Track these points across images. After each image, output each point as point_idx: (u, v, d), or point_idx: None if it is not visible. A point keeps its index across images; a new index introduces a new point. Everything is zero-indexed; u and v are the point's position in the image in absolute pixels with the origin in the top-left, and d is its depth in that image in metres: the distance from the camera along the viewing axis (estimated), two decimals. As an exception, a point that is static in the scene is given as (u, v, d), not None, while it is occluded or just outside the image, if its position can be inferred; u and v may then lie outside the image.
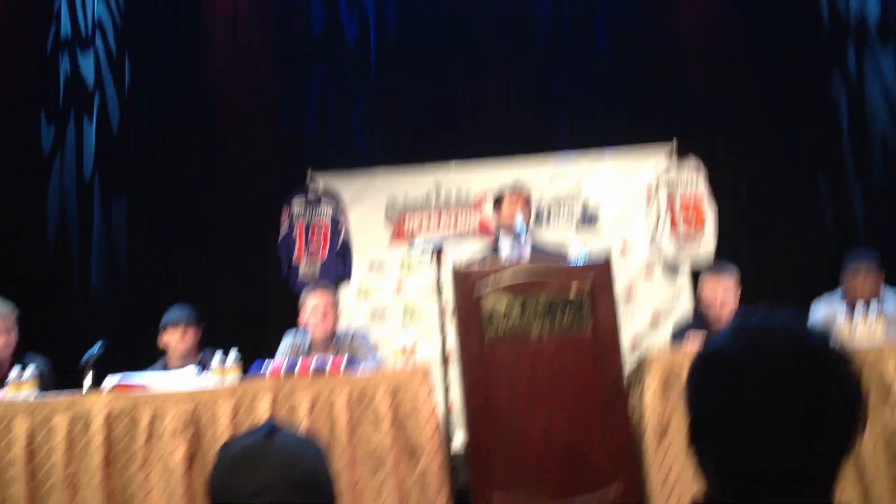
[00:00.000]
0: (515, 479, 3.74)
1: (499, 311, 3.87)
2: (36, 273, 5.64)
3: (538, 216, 6.04)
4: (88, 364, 3.93)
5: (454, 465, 3.94)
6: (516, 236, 4.56)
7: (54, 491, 3.62)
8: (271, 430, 1.28)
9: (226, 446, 1.29)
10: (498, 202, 4.77)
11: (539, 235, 4.93)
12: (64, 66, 6.09)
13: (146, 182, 6.04)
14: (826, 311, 4.78)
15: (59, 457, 3.64)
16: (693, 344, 4.20)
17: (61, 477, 3.62)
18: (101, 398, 3.73)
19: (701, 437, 1.13)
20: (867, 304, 4.63)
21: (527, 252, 4.57)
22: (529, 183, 5.29)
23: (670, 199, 6.06)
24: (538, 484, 3.74)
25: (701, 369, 1.16)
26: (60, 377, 4.32)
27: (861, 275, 4.75)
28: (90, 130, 6.04)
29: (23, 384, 3.77)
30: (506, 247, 4.66)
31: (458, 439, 4.33)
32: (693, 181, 6.08)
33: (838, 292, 4.87)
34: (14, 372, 3.86)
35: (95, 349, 4.06)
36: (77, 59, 6.09)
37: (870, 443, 3.63)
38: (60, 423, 3.67)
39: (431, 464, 3.69)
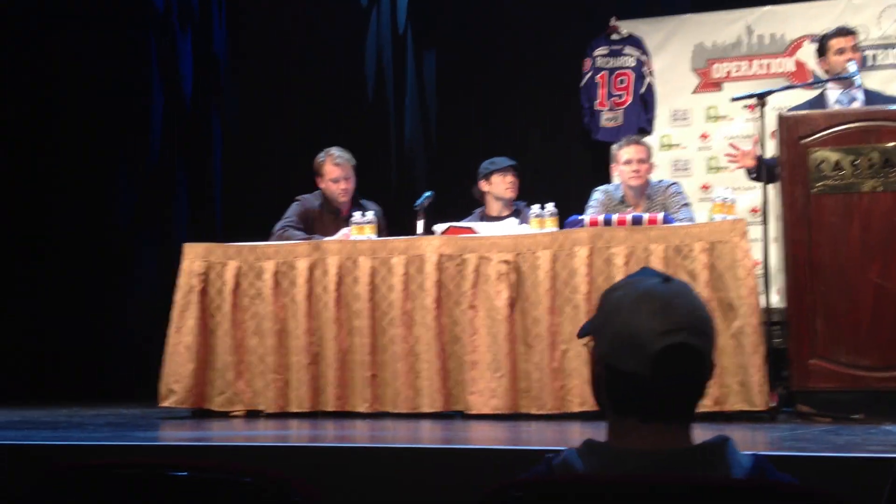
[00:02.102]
0: (838, 346, 3.57)
1: (828, 163, 3.62)
2: (357, 124, 6.02)
3: (863, 60, 5.46)
4: (421, 209, 4.20)
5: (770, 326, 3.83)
6: (847, 83, 4.19)
7: (393, 325, 3.95)
8: (664, 275, 1.29)
9: (616, 288, 1.30)
10: (822, 47, 4.39)
11: (865, 82, 4.48)
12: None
13: (454, 35, 6.16)
14: None
15: (396, 294, 3.95)
16: None
17: (399, 313, 3.94)
18: (433, 241, 3.98)
19: None
20: None
21: (860, 99, 4.21)
22: (853, 24, 4.80)
23: None
24: (864, 353, 3.54)
25: None
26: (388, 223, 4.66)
27: None
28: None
29: (364, 227, 4.09)
30: (834, 94, 4.31)
31: (774, 299, 4.19)
32: None
33: None
34: (356, 215, 4.20)
35: (425, 197, 4.31)
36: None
37: None
38: (398, 264, 3.96)
39: (748, 322, 3.61)
